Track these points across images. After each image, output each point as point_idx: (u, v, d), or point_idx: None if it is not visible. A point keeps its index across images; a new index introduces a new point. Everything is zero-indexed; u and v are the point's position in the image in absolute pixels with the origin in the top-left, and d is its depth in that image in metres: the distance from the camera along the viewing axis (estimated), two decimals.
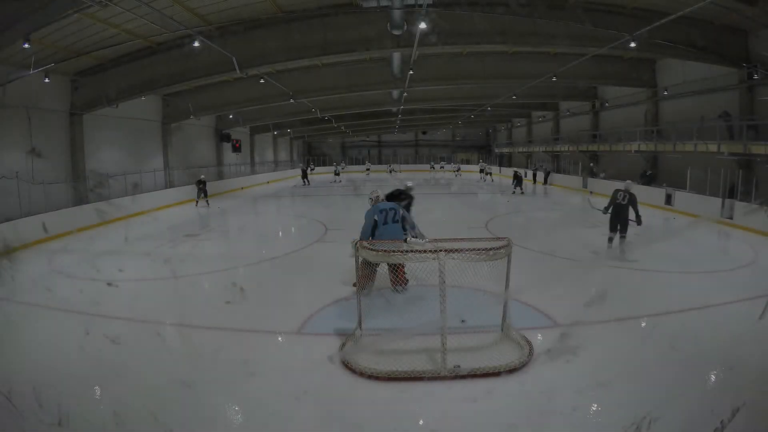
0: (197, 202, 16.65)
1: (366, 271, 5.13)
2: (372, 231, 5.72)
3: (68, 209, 12.13)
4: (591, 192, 19.43)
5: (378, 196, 6.27)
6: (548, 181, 24.00)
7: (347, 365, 4.04)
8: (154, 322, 5.22)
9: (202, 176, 16.99)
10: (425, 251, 4.05)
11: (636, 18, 10.89)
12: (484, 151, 43.71)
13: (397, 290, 5.72)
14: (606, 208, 8.08)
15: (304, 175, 27.60)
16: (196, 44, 10.44)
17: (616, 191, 8.07)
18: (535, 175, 24.73)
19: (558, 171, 24.70)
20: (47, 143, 13.11)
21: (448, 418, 3.37)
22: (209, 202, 16.79)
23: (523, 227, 12.46)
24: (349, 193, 22.51)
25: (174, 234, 11.39)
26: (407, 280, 5.63)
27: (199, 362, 4.26)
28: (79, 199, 13.42)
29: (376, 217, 5.73)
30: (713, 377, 3.96)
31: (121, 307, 5.69)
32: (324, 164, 40.36)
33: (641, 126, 18.00)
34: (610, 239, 8.09)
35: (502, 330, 4.62)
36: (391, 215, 5.82)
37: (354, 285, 5.55)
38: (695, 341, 4.48)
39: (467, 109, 28.24)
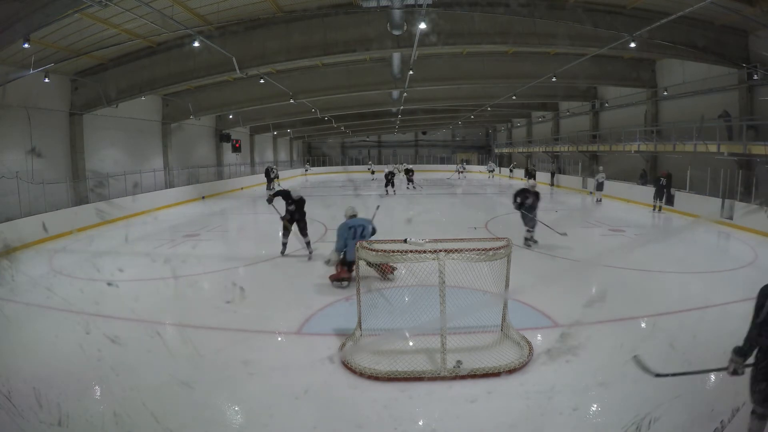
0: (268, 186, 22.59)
1: (344, 267, 6.31)
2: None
3: (68, 209, 12.13)
4: (591, 192, 19.42)
5: (351, 213, 6.79)
6: (554, 182, 23.77)
7: (347, 365, 4.04)
8: (154, 322, 5.22)
9: (269, 166, 23.76)
10: (425, 251, 4.05)
11: (636, 18, 10.89)
12: (483, 151, 43.76)
13: (389, 278, 6.37)
14: (753, 342, 3.43)
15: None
16: (196, 44, 10.43)
17: None
18: (552, 176, 24.26)
19: (558, 171, 24.62)
20: (47, 143, 13.11)
21: (448, 418, 3.37)
22: (275, 187, 21.39)
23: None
24: (349, 193, 22.52)
25: (174, 234, 11.39)
26: (394, 267, 6.25)
27: (199, 362, 4.26)
28: (79, 199, 13.41)
29: (345, 234, 6.42)
30: (713, 377, 3.96)
31: (121, 307, 5.69)
32: (324, 164, 41.17)
33: (641, 126, 18.00)
34: None
35: (502, 330, 4.62)
36: (360, 231, 6.49)
37: (331, 278, 6.45)
38: (695, 341, 4.48)
39: (467, 110, 28.23)
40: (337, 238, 6.47)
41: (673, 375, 3.31)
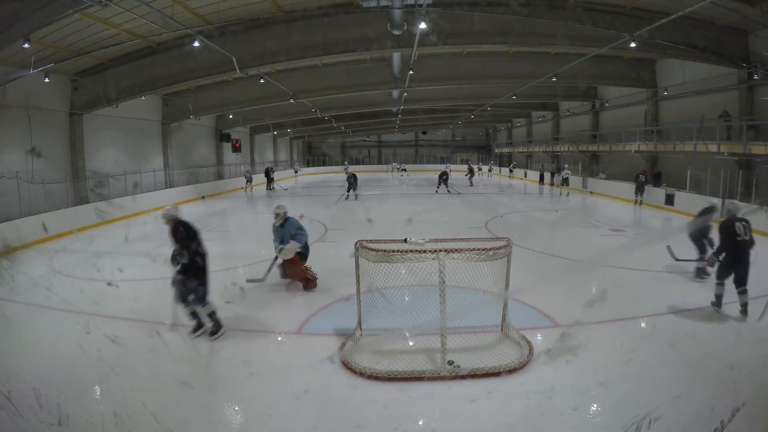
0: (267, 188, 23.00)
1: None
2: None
3: (68, 209, 12.13)
4: (591, 192, 19.45)
5: (285, 212, 6.50)
6: (554, 182, 23.79)
7: (347, 365, 4.04)
8: (154, 322, 5.22)
9: (269, 166, 24.29)
10: (425, 251, 4.05)
11: (636, 18, 10.90)
12: (483, 150, 43.78)
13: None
14: (718, 252, 5.18)
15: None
16: (196, 44, 10.44)
17: (732, 222, 5.14)
18: (552, 176, 24.09)
19: (558, 171, 24.55)
20: (47, 143, 13.11)
21: (448, 418, 3.37)
22: (275, 187, 22.64)
23: (523, 227, 12.47)
24: (348, 193, 22.47)
25: None
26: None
27: (199, 362, 4.26)
28: (79, 199, 13.42)
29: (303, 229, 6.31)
30: (713, 377, 3.96)
31: (121, 307, 5.69)
32: (324, 164, 41.18)
33: (641, 126, 18.00)
34: (719, 297, 5.23)
35: (502, 330, 4.62)
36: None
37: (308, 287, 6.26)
38: (695, 341, 4.48)
39: (467, 109, 28.24)
40: (301, 231, 6.26)
41: (687, 261, 6.40)
